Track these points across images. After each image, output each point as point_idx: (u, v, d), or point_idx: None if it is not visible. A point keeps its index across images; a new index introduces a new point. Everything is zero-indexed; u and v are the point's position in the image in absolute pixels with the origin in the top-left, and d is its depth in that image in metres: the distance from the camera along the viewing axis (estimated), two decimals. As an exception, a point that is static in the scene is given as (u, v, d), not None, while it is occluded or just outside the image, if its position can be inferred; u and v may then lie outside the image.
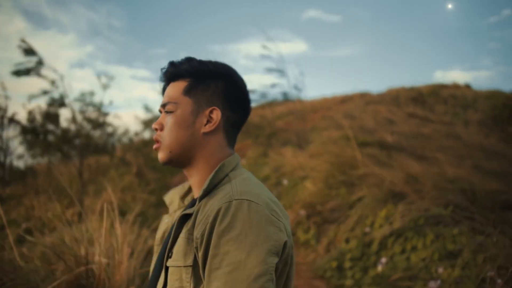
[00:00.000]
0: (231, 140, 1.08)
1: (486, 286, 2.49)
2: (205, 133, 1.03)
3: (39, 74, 6.01)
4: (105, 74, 6.77)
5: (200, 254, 0.87)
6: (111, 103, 7.03)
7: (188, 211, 0.96)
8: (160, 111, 1.09)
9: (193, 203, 1.06)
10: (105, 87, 6.72)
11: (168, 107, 1.05)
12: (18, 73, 5.93)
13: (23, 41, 5.99)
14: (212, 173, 0.97)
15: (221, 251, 0.82)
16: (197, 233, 0.89)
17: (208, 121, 1.04)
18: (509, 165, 7.63)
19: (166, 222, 1.16)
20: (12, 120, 6.99)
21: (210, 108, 1.04)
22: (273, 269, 0.82)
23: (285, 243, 0.88)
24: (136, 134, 9.89)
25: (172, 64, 1.08)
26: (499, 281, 2.44)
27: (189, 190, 1.18)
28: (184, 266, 0.90)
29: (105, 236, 2.51)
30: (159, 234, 1.15)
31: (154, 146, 1.06)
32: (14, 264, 2.44)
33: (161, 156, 1.05)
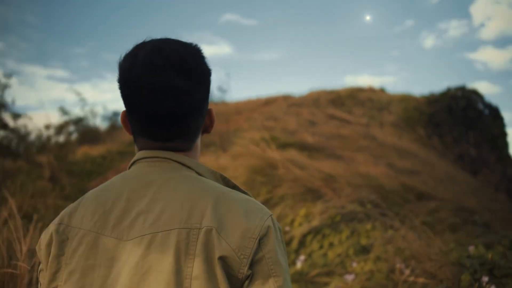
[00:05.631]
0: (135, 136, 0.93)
1: (396, 277, 2.63)
2: None
3: None
4: (15, 73, 6.31)
5: None
6: (13, 102, 6.50)
7: None
8: None
9: None
10: (4, 87, 6.27)
11: None
12: None
13: None
14: None
15: None
16: None
17: None
18: (419, 164, 8.19)
19: None
20: None
21: None
22: None
23: None
24: (49, 138, 9.24)
25: None
26: (406, 271, 2.59)
27: None
28: None
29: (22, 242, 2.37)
30: None
31: None
32: None
33: None
